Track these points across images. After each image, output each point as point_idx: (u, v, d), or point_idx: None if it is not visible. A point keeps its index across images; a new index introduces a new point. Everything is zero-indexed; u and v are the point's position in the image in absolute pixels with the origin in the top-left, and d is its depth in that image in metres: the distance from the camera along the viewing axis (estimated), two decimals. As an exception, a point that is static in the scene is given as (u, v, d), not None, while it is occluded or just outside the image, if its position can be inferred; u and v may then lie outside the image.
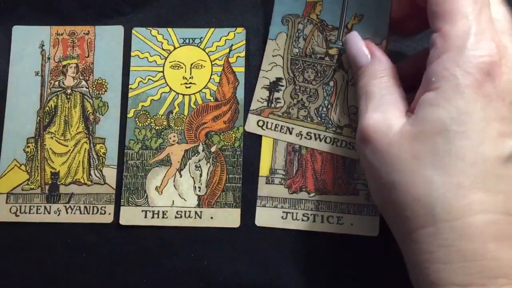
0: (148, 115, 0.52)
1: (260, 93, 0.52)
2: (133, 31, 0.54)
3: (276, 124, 0.51)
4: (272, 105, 0.51)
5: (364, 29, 0.48)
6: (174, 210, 0.51)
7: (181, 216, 0.51)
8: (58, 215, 0.51)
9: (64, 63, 0.54)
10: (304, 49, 0.51)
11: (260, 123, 0.52)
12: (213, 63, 0.53)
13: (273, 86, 0.51)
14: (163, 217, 0.51)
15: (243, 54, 0.53)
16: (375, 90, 0.43)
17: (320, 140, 0.50)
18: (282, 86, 0.51)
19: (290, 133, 0.51)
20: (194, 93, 0.53)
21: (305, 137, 0.51)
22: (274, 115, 0.51)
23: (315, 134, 0.50)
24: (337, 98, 0.50)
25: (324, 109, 0.50)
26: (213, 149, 0.52)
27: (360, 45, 0.46)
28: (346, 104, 0.50)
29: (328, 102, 0.50)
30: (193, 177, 0.52)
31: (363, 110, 0.43)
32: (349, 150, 0.50)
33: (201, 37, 0.53)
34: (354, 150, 0.49)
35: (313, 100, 0.51)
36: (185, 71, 0.53)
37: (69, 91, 0.53)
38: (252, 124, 0.52)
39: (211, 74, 0.53)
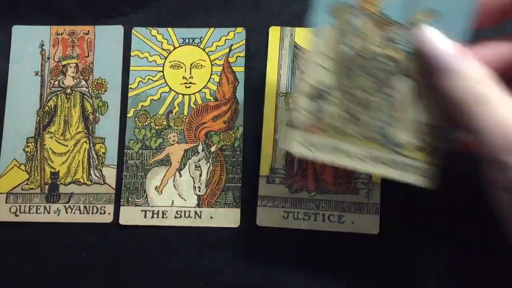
0: (148, 115, 0.52)
1: (302, 103, 0.40)
2: (133, 31, 0.54)
3: (325, 144, 0.40)
4: (318, 119, 0.40)
5: (442, 30, 0.38)
6: (174, 210, 0.51)
7: (181, 216, 0.51)
8: (58, 215, 0.51)
9: (64, 62, 0.54)
10: (358, 49, 0.39)
11: (305, 142, 0.40)
12: (213, 63, 0.53)
13: (318, 94, 0.40)
14: (162, 217, 0.51)
15: (243, 54, 0.53)
16: (495, 96, 0.35)
17: (384, 164, 0.40)
18: (330, 94, 0.40)
19: (345, 154, 0.40)
20: (194, 93, 0.53)
21: (363, 160, 0.40)
22: (322, 132, 0.40)
23: (376, 157, 0.40)
24: (401, 111, 0.39)
25: (386, 126, 0.40)
26: (213, 149, 0.52)
27: (444, 42, 0.37)
28: (414, 120, 0.39)
29: (390, 116, 0.40)
30: (193, 177, 0.52)
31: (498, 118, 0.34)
32: (420, 177, 0.39)
33: (201, 37, 0.53)
34: (427, 178, 0.39)
35: (370, 114, 0.40)
36: (185, 71, 0.53)
37: (69, 90, 0.53)
38: (294, 144, 0.40)
39: (211, 74, 0.53)
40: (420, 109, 0.39)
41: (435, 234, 0.49)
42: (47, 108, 0.53)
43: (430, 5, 0.38)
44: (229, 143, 0.52)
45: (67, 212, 0.51)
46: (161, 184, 0.52)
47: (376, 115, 0.40)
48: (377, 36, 0.39)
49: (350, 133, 0.40)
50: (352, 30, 0.39)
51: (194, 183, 0.51)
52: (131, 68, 0.53)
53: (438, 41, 0.37)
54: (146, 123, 0.52)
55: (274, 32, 0.53)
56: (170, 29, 0.54)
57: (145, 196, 0.51)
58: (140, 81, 0.53)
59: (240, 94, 0.52)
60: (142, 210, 0.51)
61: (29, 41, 0.54)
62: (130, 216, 0.51)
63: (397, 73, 0.39)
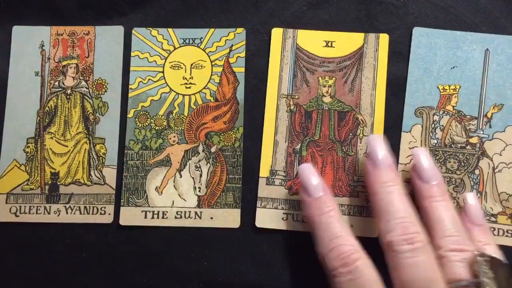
0: (148, 115, 0.52)
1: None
2: (133, 31, 0.54)
3: None
4: None
5: (506, 117, 0.50)
6: (174, 211, 0.51)
7: (181, 217, 0.51)
8: (58, 215, 0.51)
9: (64, 63, 0.54)
10: (442, 140, 0.50)
11: None
12: (213, 63, 0.53)
13: None
14: (163, 218, 0.51)
15: (243, 54, 0.53)
16: None
17: None
18: None
19: None
20: (194, 93, 0.53)
21: None
22: None
23: None
24: (485, 186, 0.50)
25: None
26: (213, 149, 0.52)
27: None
28: (497, 191, 0.50)
29: (477, 191, 0.50)
30: (193, 178, 0.52)
31: None
32: (507, 238, 0.49)
33: (201, 37, 0.53)
34: None
35: (460, 190, 0.50)
36: (185, 71, 0.53)
37: (69, 91, 0.53)
38: None
39: (211, 75, 0.53)
40: (499, 182, 0.50)
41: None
42: (47, 108, 0.53)
43: (494, 100, 0.50)
44: (230, 144, 0.52)
45: (67, 213, 0.51)
46: (161, 184, 0.52)
47: (464, 190, 0.50)
48: (457, 128, 0.51)
49: None
50: (436, 125, 0.51)
51: (194, 183, 0.51)
52: (131, 68, 0.53)
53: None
54: (146, 124, 0.52)
55: (276, 34, 0.52)
56: (170, 30, 0.53)
57: (145, 196, 0.51)
58: (140, 81, 0.53)
59: (240, 95, 0.52)
60: (142, 211, 0.51)
61: (29, 41, 0.54)
62: (130, 216, 0.51)
63: (478, 155, 0.50)
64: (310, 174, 0.47)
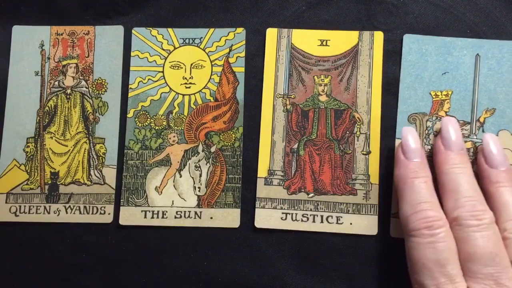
0: (148, 115, 0.52)
1: None
2: (133, 31, 0.54)
3: None
4: None
5: (498, 122, 0.50)
6: (174, 210, 0.51)
7: (180, 216, 0.51)
8: (58, 215, 0.51)
9: (64, 63, 0.54)
10: None
11: None
12: (213, 63, 0.53)
13: None
14: (162, 217, 0.51)
15: (243, 54, 0.53)
16: None
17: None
18: None
19: None
20: (194, 93, 0.53)
21: None
22: None
23: None
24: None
25: None
26: (212, 149, 0.52)
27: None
28: None
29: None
30: (192, 177, 0.52)
31: None
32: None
33: (201, 37, 0.53)
34: None
35: None
36: (185, 71, 0.53)
37: (69, 91, 0.53)
38: (398, 229, 0.49)
39: (211, 74, 0.53)
40: None
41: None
42: (47, 108, 0.53)
43: (486, 105, 0.50)
44: (229, 144, 0.52)
45: (67, 212, 0.51)
46: (161, 184, 0.52)
47: None
48: None
49: None
50: (430, 131, 0.50)
51: (194, 183, 0.51)
52: (131, 68, 0.53)
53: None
54: (146, 123, 0.52)
55: (271, 34, 0.52)
56: (170, 29, 0.54)
57: (145, 196, 0.51)
58: (140, 81, 0.53)
59: (240, 95, 0.52)
60: (142, 211, 0.51)
61: (29, 41, 0.54)
62: (130, 216, 0.51)
63: (471, 160, 0.49)
64: (412, 137, 0.48)
